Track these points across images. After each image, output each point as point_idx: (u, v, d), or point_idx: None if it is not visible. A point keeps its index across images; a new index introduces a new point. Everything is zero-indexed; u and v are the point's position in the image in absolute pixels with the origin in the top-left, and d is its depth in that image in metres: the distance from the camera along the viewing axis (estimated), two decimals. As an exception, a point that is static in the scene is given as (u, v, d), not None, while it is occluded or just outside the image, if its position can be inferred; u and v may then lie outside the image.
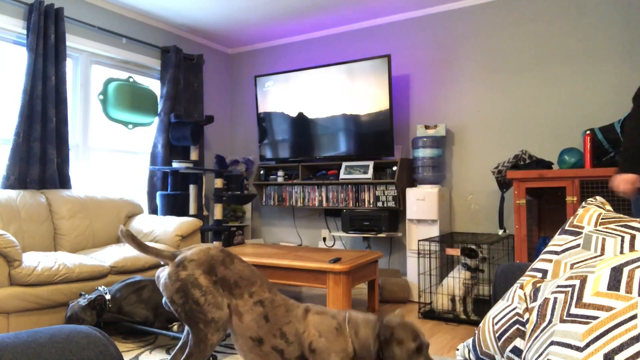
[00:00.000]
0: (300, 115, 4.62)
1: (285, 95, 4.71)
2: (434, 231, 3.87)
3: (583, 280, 0.89)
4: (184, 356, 1.47)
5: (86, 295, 2.70)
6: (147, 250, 1.49)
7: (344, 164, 4.36)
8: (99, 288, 2.75)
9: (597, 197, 1.28)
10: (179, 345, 1.59)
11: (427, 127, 4.07)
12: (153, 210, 4.53)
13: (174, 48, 4.69)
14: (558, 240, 1.17)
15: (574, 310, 0.85)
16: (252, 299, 1.48)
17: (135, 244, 1.48)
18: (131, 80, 4.50)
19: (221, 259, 1.49)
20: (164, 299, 1.49)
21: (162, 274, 1.47)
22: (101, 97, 4.28)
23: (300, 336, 1.46)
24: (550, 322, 0.88)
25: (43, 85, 3.64)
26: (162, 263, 1.52)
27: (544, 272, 1.11)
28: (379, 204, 4.19)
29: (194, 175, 4.63)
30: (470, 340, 1.26)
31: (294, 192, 4.65)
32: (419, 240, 3.60)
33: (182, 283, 1.41)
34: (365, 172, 4.22)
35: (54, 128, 3.68)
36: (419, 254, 3.63)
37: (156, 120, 4.65)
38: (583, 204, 1.28)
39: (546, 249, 1.19)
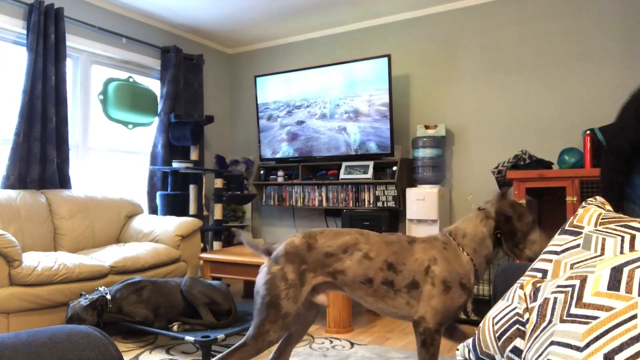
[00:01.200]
0: (300, 115, 4.62)
1: (285, 95, 4.70)
2: (434, 231, 3.87)
3: (583, 280, 0.89)
4: (237, 344, 1.52)
5: (87, 296, 2.69)
6: (250, 246, 1.65)
7: (344, 164, 4.36)
8: (100, 288, 2.75)
9: (597, 197, 1.28)
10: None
11: (427, 127, 4.07)
12: (153, 210, 4.53)
13: (174, 48, 4.69)
14: (558, 240, 1.17)
15: (574, 310, 0.85)
16: (346, 254, 1.55)
17: (248, 244, 1.65)
18: (131, 80, 4.50)
19: (306, 246, 1.57)
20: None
21: (263, 268, 1.59)
22: (101, 97, 4.28)
23: (411, 264, 1.52)
24: (550, 322, 0.88)
25: (43, 85, 3.64)
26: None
27: (544, 272, 1.11)
28: (379, 204, 4.19)
29: (194, 175, 4.62)
30: (470, 340, 1.26)
31: (294, 192, 4.65)
32: (419, 240, 3.60)
33: (272, 276, 1.52)
34: (365, 172, 4.22)
35: (54, 128, 3.68)
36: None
37: (156, 120, 4.65)
38: (583, 204, 1.28)
39: (546, 249, 1.19)
